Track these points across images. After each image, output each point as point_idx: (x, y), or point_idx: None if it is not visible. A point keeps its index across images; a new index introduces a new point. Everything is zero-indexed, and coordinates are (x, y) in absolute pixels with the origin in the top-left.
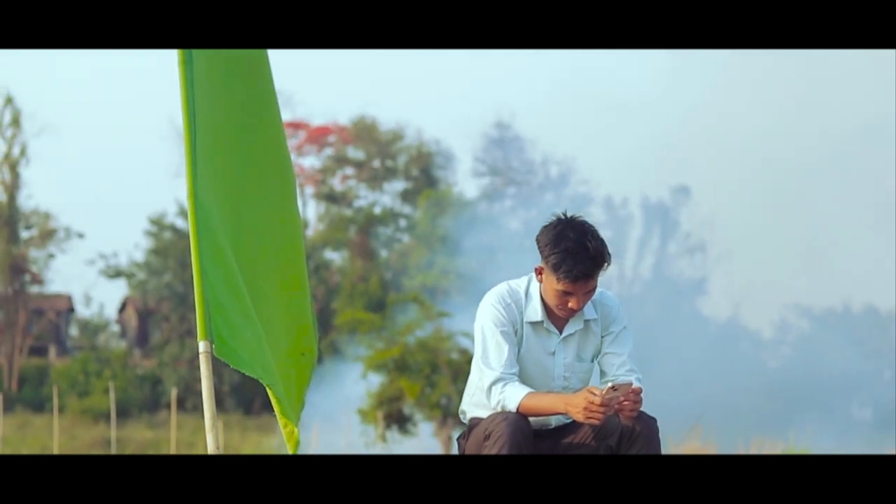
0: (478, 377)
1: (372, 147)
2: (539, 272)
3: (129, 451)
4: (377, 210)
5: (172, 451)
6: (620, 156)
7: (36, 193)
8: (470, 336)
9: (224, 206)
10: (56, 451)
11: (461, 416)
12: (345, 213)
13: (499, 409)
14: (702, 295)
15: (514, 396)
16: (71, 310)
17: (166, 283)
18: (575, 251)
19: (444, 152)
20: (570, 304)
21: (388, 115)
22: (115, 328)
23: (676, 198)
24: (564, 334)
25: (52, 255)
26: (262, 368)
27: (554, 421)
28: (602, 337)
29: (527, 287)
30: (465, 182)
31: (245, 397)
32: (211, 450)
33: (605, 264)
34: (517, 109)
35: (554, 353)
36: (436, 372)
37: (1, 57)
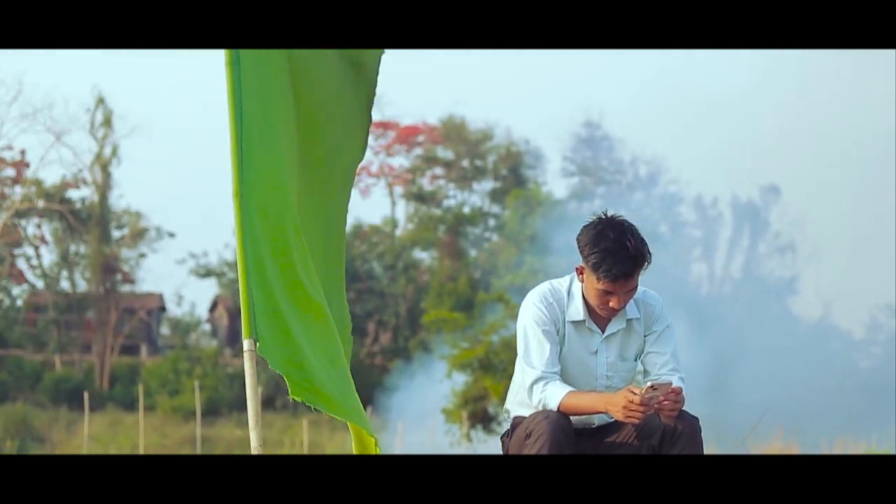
0: (520, 376)
1: (461, 147)
2: (580, 272)
3: (217, 449)
4: (466, 210)
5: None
6: (710, 155)
7: (127, 193)
8: None
9: (273, 206)
10: (142, 451)
11: (505, 415)
12: (434, 213)
13: (540, 408)
14: (792, 295)
15: (555, 395)
16: (162, 309)
17: None
18: (614, 251)
19: (533, 152)
20: (611, 304)
21: (478, 115)
22: (207, 327)
23: (766, 197)
24: (607, 333)
25: (143, 255)
26: (300, 371)
27: (597, 420)
28: (645, 336)
29: (569, 286)
30: (554, 182)
31: None
32: (254, 447)
33: (646, 263)
34: (606, 108)
35: (596, 353)
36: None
37: (93, 58)
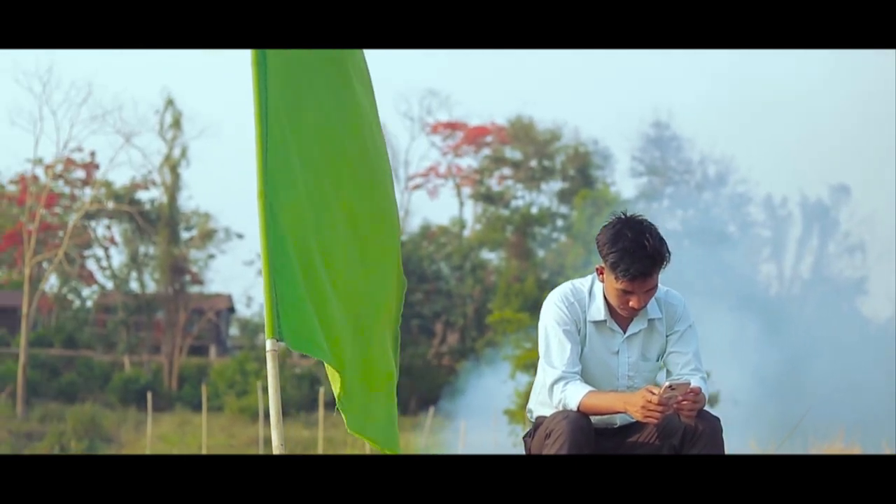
0: (542, 376)
1: (529, 147)
2: (600, 272)
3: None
4: (534, 210)
5: (319, 450)
6: (779, 154)
7: (196, 194)
8: None
9: (303, 205)
10: (205, 451)
11: (528, 415)
12: (502, 214)
13: (560, 408)
14: (862, 295)
15: (575, 395)
16: (231, 309)
17: None
18: (632, 250)
19: (601, 152)
20: (631, 304)
21: (546, 115)
22: None
23: (836, 197)
24: (628, 333)
25: (211, 256)
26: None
27: (619, 420)
28: (667, 336)
29: (590, 286)
30: (622, 182)
31: (402, 397)
32: (276, 446)
33: (664, 262)
34: (675, 108)
35: (618, 353)
36: None
37: (161, 59)
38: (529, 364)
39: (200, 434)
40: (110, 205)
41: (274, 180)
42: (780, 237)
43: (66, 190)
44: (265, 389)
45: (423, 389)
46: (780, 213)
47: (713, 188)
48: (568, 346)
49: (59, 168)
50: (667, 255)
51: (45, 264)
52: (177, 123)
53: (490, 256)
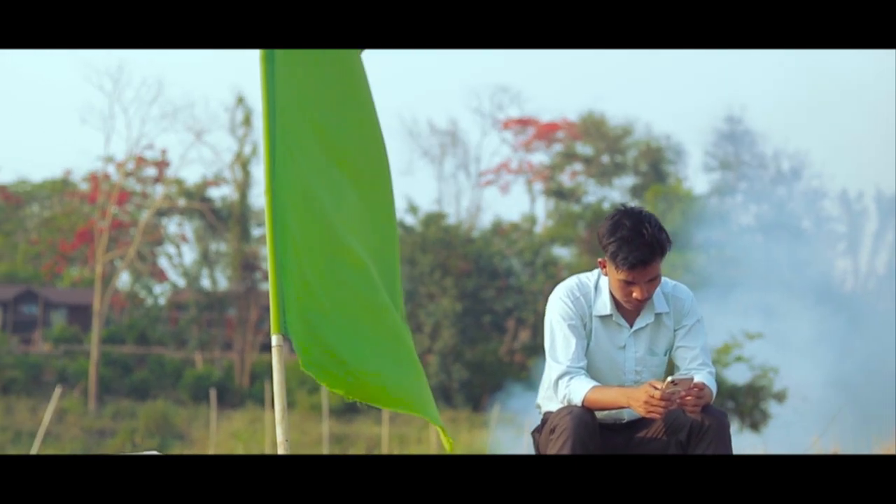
0: (548, 371)
1: (601, 143)
2: (603, 265)
3: (350, 447)
4: (606, 206)
5: (384, 448)
6: (854, 149)
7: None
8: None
9: (310, 202)
10: (267, 449)
11: (537, 410)
12: (573, 209)
13: (565, 403)
14: None
15: (579, 390)
16: None
17: None
18: (630, 238)
19: (673, 147)
20: (634, 295)
21: (617, 111)
22: None
23: None
24: (635, 328)
25: None
26: (340, 365)
27: (627, 415)
28: (675, 331)
29: (596, 281)
30: (695, 177)
31: (474, 394)
32: (280, 441)
33: (664, 251)
34: (748, 103)
35: (624, 347)
36: None
37: (232, 57)
38: None
39: (271, 431)
40: (181, 202)
41: (282, 178)
42: (855, 232)
43: (138, 187)
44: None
45: (495, 386)
46: (855, 208)
47: (787, 183)
48: (573, 341)
49: (131, 166)
50: (667, 244)
51: (117, 262)
52: (247, 120)
53: (561, 252)
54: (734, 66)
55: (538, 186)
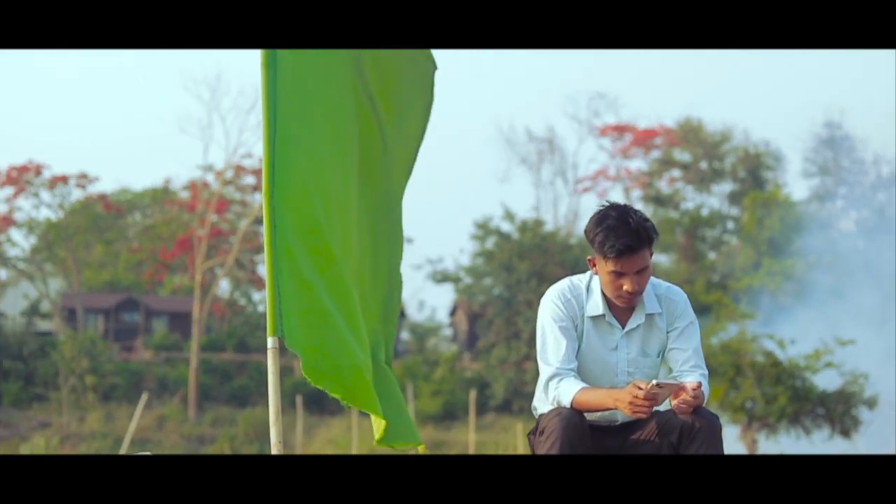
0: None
1: (698, 149)
2: (592, 263)
3: (451, 452)
4: (704, 212)
5: (471, 450)
6: None
7: None
8: (775, 338)
9: (311, 204)
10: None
11: (533, 412)
12: (671, 216)
13: (554, 405)
14: None
15: (567, 392)
16: (401, 314)
17: (491, 286)
18: (616, 227)
19: (772, 153)
20: (624, 287)
21: (715, 116)
22: (448, 332)
23: None
24: (627, 329)
25: None
26: (335, 369)
27: (620, 417)
28: (668, 332)
29: (588, 282)
30: (794, 183)
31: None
32: (274, 443)
33: (651, 240)
34: (847, 107)
35: (616, 348)
36: (739, 374)
37: None
38: None
39: (368, 438)
40: None
41: (281, 180)
42: None
43: (237, 196)
44: (439, 393)
45: None
46: None
47: (887, 188)
48: (563, 342)
49: (230, 174)
50: (653, 233)
51: (216, 269)
52: None
53: (659, 259)
54: (832, 70)
55: (636, 193)
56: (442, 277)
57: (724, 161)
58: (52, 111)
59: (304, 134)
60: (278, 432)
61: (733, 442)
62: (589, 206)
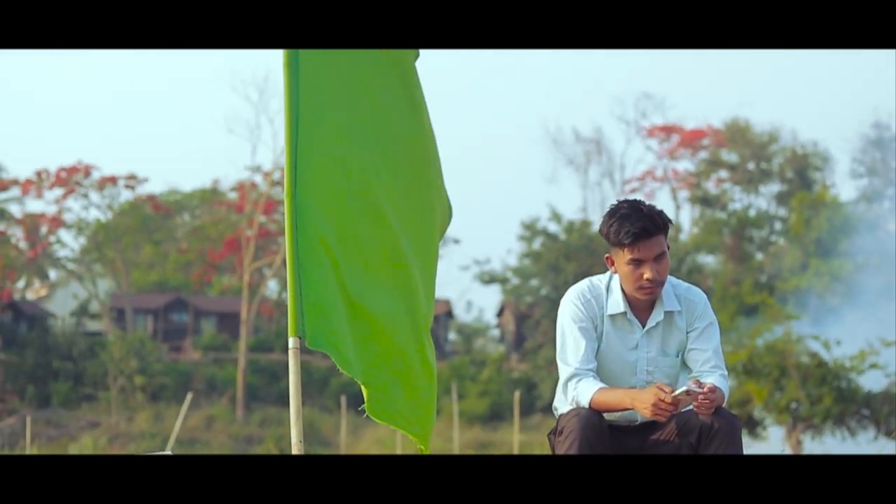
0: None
1: (746, 149)
2: (610, 262)
3: (496, 453)
4: (751, 213)
5: (515, 451)
6: None
7: None
8: (820, 339)
9: (333, 204)
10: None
11: (554, 413)
12: (718, 217)
13: (573, 405)
14: None
15: (586, 392)
16: (449, 314)
17: (539, 287)
18: (628, 214)
19: (820, 154)
20: (645, 276)
21: (762, 117)
22: (495, 332)
23: None
24: (647, 327)
25: None
26: (362, 367)
27: (640, 417)
28: (687, 333)
29: (608, 282)
30: (842, 183)
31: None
32: (294, 443)
33: (666, 226)
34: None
35: (636, 347)
36: (784, 376)
37: None
38: (729, 368)
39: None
40: None
41: (303, 180)
42: None
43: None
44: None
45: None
46: None
47: None
48: (582, 343)
49: (277, 175)
50: (667, 220)
51: (264, 270)
52: None
53: (707, 260)
54: (881, 71)
55: (683, 194)
56: (489, 278)
57: (772, 162)
58: (102, 112)
59: (326, 134)
60: (298, 432)
61: (779, 443)
62: None
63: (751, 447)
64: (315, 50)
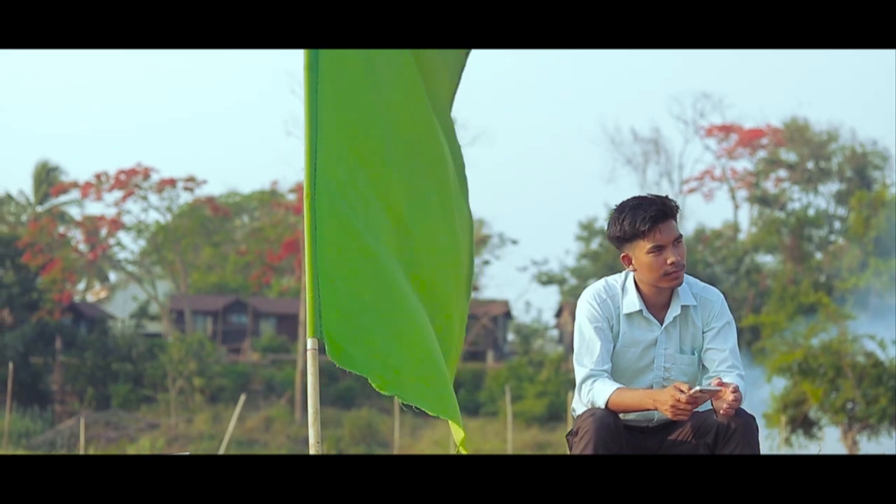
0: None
1: (805, 149)
2: (627, 260)
3: (553, 453)
4: (810, 212)
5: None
6: None
7: (470, 201)
8: (876, 339)
9: (353, 206)
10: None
11: (572, 414)
12: (777, 216)
13: (589, 406)
14: None
15: (602, 393)
16: (507, 315)
17: None
18: (638, 204)
19: (879, 152)
20: (668, 261)
21: (821, 116)
22: (554, 333)
23: None
24: (665, 323)
25: (486, 262)
26: (382, 369)
27: (657, 416)
28: (704, 332)
29: (623, 281)
30: None
31: None
32: (312, 443)
33: (676, 209)
34: None
35: (655, 344)
36: (840, 376)
37: None
38: (785, 368)
39: (476, 438)
40: None
41: (323, 182)
42: None
43: None
44: (544, 394)
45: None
46: None
47: None
48: (598, 344)
49: None
50: (676, 204)
51: None
52: None
53: (765, 259)
54: None
55: (742, 193)
56: (547, 279)
57: (831, 161)
58: (161, 114)
59: (347, 136)
60: (316, 433)
61: (834, 443)
62: (695, 206)
63: (807, 448)
64: (335, 50)
